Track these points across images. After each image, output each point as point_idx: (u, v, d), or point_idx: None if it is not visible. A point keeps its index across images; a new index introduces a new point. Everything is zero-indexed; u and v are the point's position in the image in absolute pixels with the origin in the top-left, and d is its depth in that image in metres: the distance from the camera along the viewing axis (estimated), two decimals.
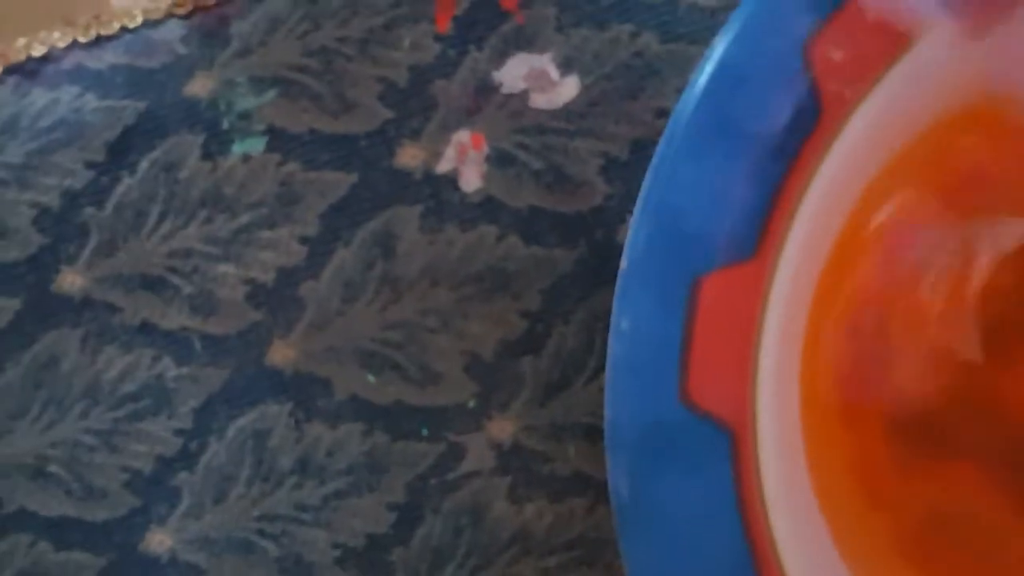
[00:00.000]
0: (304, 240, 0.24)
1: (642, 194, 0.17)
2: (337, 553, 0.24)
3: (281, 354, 0.24)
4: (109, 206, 0.24)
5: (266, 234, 0.24)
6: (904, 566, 0.20)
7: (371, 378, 0.24)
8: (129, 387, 0.24)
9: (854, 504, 0.20)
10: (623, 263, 0.17)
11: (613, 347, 0.17)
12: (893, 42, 0.17)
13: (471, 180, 0.24)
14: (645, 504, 0.17)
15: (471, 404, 0.24)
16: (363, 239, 0.24)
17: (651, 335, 0.17)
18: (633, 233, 0.17)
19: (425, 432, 0.24)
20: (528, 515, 0.24)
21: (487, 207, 0.24)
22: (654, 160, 0.17)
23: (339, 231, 0.24)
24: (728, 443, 0.18)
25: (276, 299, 0.24)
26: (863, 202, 0.20)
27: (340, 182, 0.24)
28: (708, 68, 0.17)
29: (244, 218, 0.24)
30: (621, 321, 0.17)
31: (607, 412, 0.17)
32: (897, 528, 0.21)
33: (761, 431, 0.18)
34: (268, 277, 0.24)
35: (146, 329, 0.24)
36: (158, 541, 0.25)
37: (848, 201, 0.19)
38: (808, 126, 0.18)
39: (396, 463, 0.24)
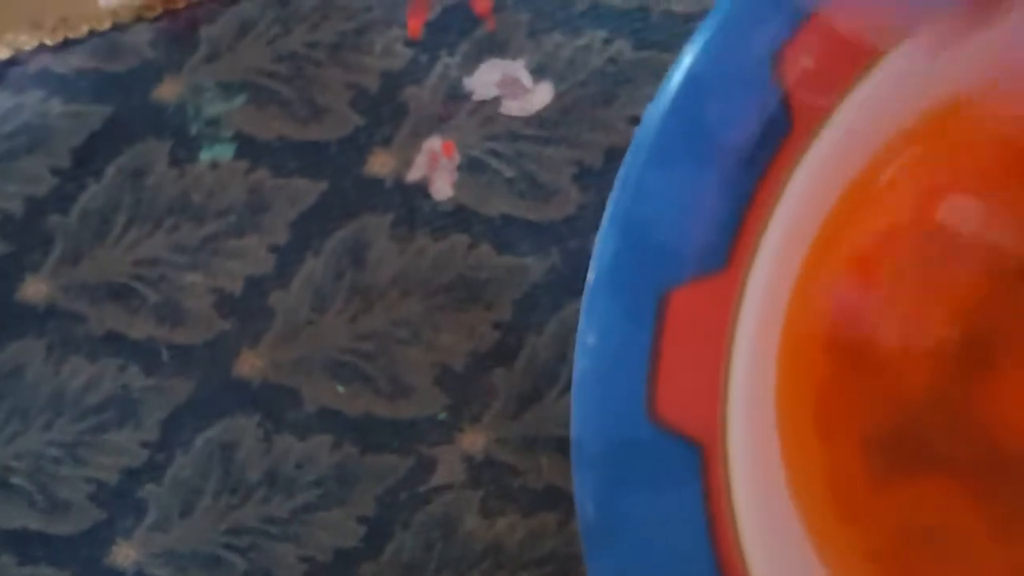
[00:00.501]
0: (273, 248, 0.24)
1: (609, 206, 0.17)
2: (305, 567, 0.24)
3: (249, 364, 0.24)
4: (74, 213, 0.23)
5: (234, 242, 0.23)
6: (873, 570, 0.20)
7: (341, 389, 0.24)
8: (94, 398, 0.24)
9: (830, 518, 0.20)
10: (590, 276, 0.17)
11: (579, 362, 0.17)
12: (864, 52, 0.17)
13: (442, 188, 0.23)
14: (611, 522, 0.17)
15: (442, 416, 0.24)
16: (333, 248, 0.23)
17: (618, 350, 0.17)
18: (600, 245, 0.17)
19: (395, 445, 0.23)
20: (500, 529, 0.24)
21: (459, 215, 0.23)
22: (621, 171, 0.17)
23: (309, 239, 0.24)
24: (697, 459, 0.17)
25: (244, 308, 0.24)
26: (836, 214, 0.19)
27: (310, 190, 0.24)
28: (676, 77, 0.17)
29: (212, 226, 0.23)
30: (588, 336, 0.17)
31: (573, 429, 0.17)
32: (872, 541, 0.21)
33: (732, 447, 0.18)
34: (236, 286, 0.24)
35: (112, 339, 0.24)
36: (124, 555, 0.24)
37: (821, 213, 0.19)
38: (779, 136, 0.17)
39: (366, 476, 0.24)
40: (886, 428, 0.21)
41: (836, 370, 0.21)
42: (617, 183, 0.17)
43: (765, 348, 0.19)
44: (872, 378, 0.21)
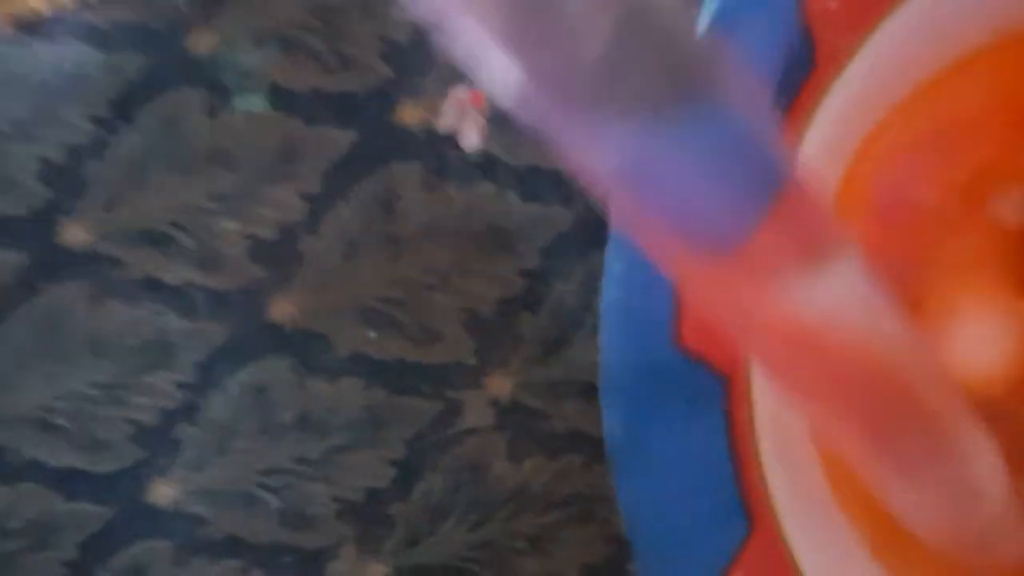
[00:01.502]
0: (305, 197, 0.24)
1: None
2: (337, 507, 0.25)
3: (282, 310, 0.24)
4: (112, 160, 0.24)
5: (267, 190, 0.24)
6: (910, 542, 0.20)
7: (372, 335, 0.24)
8: (133, 341, 0.25)
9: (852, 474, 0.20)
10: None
11: (606, 290, 0.17)
12: None
13: (471, 138, 0.24)
14: (638, 446, 0.17)
15: (470, 361, 0.24)
16: (363, 196, 0.24)
17: (644, 279, 0.17)
18: None
19: (425, 389, 0.24)
20: (526, 472, 0.24)
21: (486, 165, 0.24)
22: None
23: (340, 188, 0.24)
24: (721, 389, 0.18)
25: (277, 255, 0.24)
26: (858, 157, 0.20)
27: (341, 139, 0.24)
28: (704, 16, 0.17)
29: (245, 174, 0.24)
30: (614, 265, 0.17)
31: (601, 355, 0.17)
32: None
33: (757, 381, 0.18)
34: (269, 233, 0.24)
35: (150, 284, 0.25)
36: (162, 493, 0.25)
37: (843, 155, 0.19)
38: (802, 75, 0.18)
39: (396, 419, 0.24)
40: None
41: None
42: None
43: None
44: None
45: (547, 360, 0.24)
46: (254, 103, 0.24)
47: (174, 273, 0.24)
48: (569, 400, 0.24)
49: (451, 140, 0.24)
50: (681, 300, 0.17)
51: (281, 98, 0.24)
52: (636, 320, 0.17)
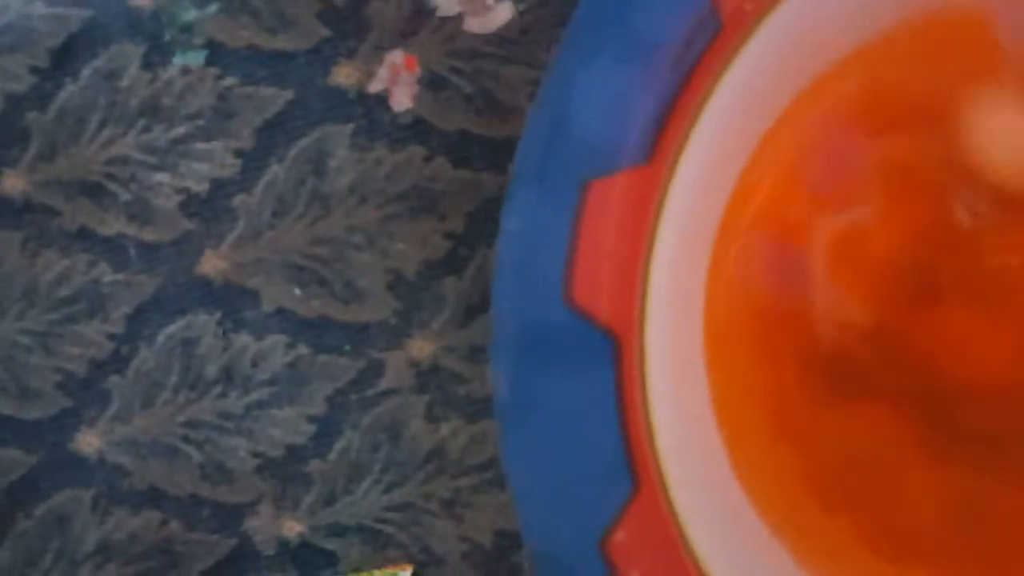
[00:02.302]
0: (239, 153, 0.24)
1: (537, 97, 0.17)
2: (257, 462, 0.25)
3: (212, 264, 0.25)
4: (51, 111, 0.24)
5: (202, 146, 0.24)
6: (805, 496, 0.20)
7: (298, 291, 0.24)
8: (65, 291, 0.25)
9: (759, 433, 0.20)
10: (514, 164, 0.18)
11: (500, 246, 0.17)
12: None
13: (402, 101, 0.24)
14: (524, 402, 0.17)
15: (392, 321, 0.24)
16: (296, 155, 0.24)
17: (538, 236, 0.17)
18: (525, 134, 0.17)
19: (347, 348, 0.24)
20: (444, 434, 0.24)
21: (417, 128, 0.24)
22: (550, 63, 0.17)
23: (273, 146, 0.24)
24: (611, 349, 0.18)
25: (209, 210, 0.25)
26: (776, 125, 0.20)
27: (276, 98, 0.24)
28: None
29: (181, 129, 0.24)
30: (509, 221, 0.17)
31: (492, 310, 0.17)
32: (802, 461, 0.21)
33: (650, 343, 0.18)
34: (202, 188, 0.24)
35: (84, 234, 0.25)
36: (87, 442, 0.25)
37: (754, 121, 0.19)
38: (707, 38, 0.18)
39: (318, 376, 0.25)
40: (825, 351, 0.21)
41: (774, 285, 0.21)
42: (545, 74, 0.17)
43: (694, 252, 0.19)
44: (813, 298, 0.21)
45: (469, 324, 0.24)
46: (192, 59, 0.24)
47: (108, 225, 0.25)
48: (489, 365, 0.24)
49: (383, 102, 0.24)
50: (574, 259, 0.17)
51: (219, 55, 0.24)
52: (527, 277, 0.17)
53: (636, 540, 0.18)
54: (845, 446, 0.22)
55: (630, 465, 0.18)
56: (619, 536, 0.18)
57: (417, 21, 0.24)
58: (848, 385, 0.22)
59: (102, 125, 0.25)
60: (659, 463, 0.18)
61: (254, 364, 0.25)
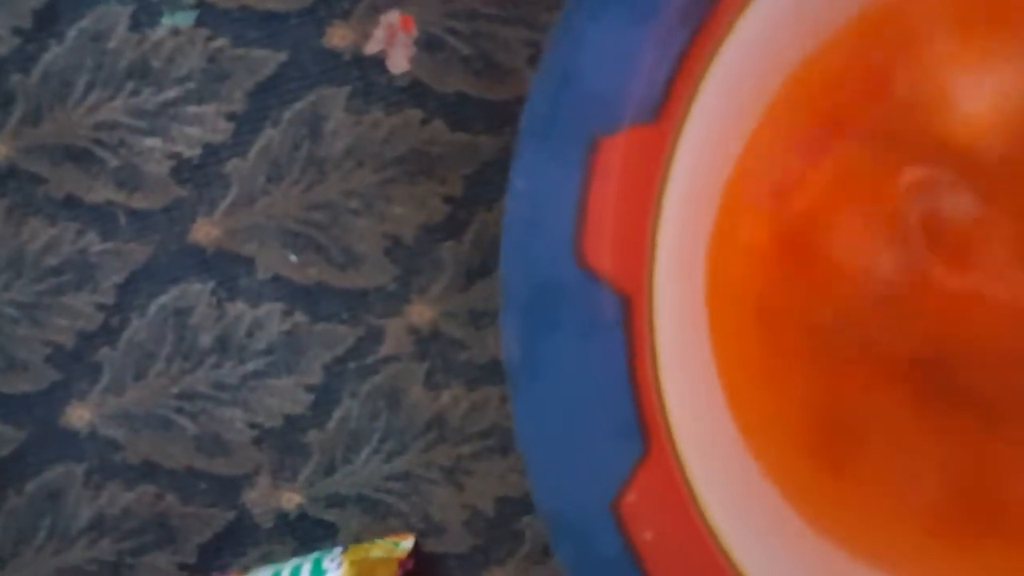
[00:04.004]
0: (231, 117, 0.24)
1: (544, 54, 0.17)
2: (254, 433, 0.24)
3: (204, 232, 0.24)
4: (36, 74, 0.24)
5: (193, 109, 0.24)
6: (809, 459, 0.20)
7: (293, 258, 0.24)
8: (53, 260, 0.24)
9: (761, 396, 0.20)
10: (521, 121, 0.17)
11: (509, 206, 0.17)
12: None
13: (399, 62, 0.23)
14: (535, 362, 0.17)
15: (391, 287, 0.24)
16: (290, 119, 0.24)
17: (547, 194, 0.17)
18: (533, 92, 0.17)
19: (345, 315, 0.24)
20: (444, 402, 0.24)
21: (414, 90, 0.23)
22: (559, 21, 0.17)
23: (267, 110, 0.24)
24: (622, 309, 0.18)
25: (201, 176, 0.24)
26: (785, 84, 0.19)
27: (269, 60, 0.24)
28: None
29: (171, 92, 0.24)
30: (517, 180, 0.17)
31: (500, 269, 0.17)
32: (805, 425, 0.21)
33: (659, 304, 0.18)
34: (194, 153, 0.24)
35: (71, 202, 0.24)
36: (78, 416, 0.25)
37: (764, 80, 0.19)
38: None
39: (315, 344, 0.24)
40: (827, 314, 0.21)
41: (779, 253, 0.21)
42: (553, 32, 0.17)
43: (702, 213, 0.19)
44: (820, 265, 0.21)
45: (469, 289, 0.24)
46: (182, 19, 0.24)
47: (97, 192, 0.24)
48: (490, 330, 0.23)
49: (380, 64, 0.23)
50: (584, 217, 0.17)
51: (210, 16, 0.23)
52: (536, 236, 0.17)
53: (647, 501, 0.17)
54: (847, 410, 0.22)
55: (641, 426, 0.18)
56: (630, 498, 0.18)
57: None
58: (851, 349, 0.22)
59: (89, 88, 0.24)
60: (669, 424, 0.18)
61: (249, 333, 0.24)
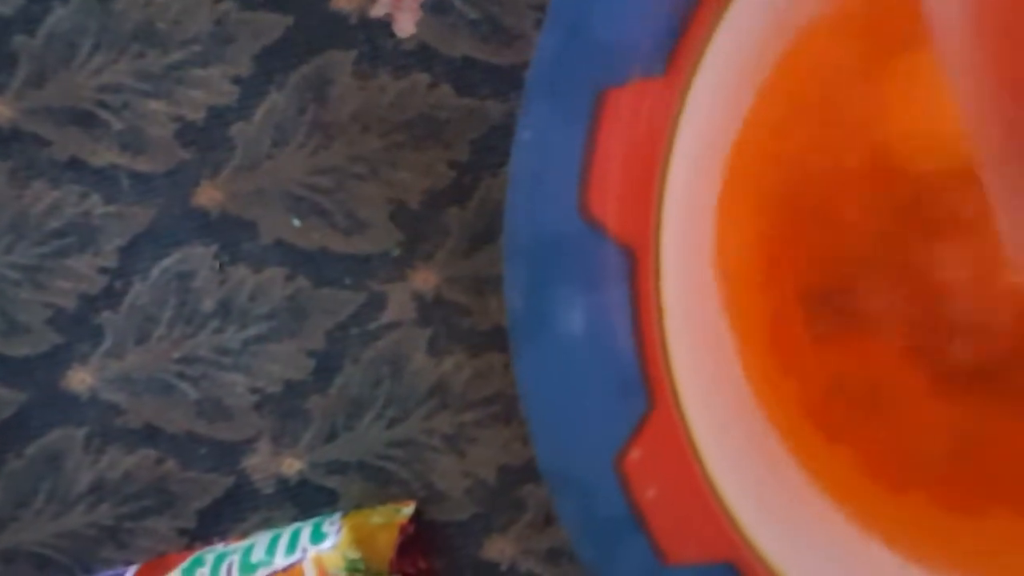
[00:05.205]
0: (236, 80, 0.24)
1: (551, 5, 0.17)
2: (256, 398, 0.24)
3: (208, 195, 0.24)
4: (40, 35, 0.24)
5: (198, 72, 0.24)
6: (811, 418, 0.20)
7: (297, 222, 0.24)
8: (55, 223, 0.24)
9: (768, 353, 0.20)
10: (528, 74, 0.17)
11: (514, 158, 0.17)
12: None
13: (406, 26, 0.23)
14: (538, 316, 0.17)
15: (395, 253, 0.24)
16: (296, 82, 0.24)
17: (553, 146, 0.17)
18: (540, 43, 0.17)
19: (348, 280, 0.24)
20: (447, 368, 0.24)
21: (421, 55, 0.23)
22: None
23: (272, 73, 0.24)
24: (627, 264, 0.17)
25: (206, 139, 0.24)
26: (792, 48, 0.19)
27: (275, 24, 0.24)
28: None
29: (176, 55, 0.24)
30: (523, 132, 0.17)
31: (506, 222, 0.17)
32: (803, 392, 0.21)
33: (665, 259, 0.18)
34: (198, 116, 0.24)
35: (75, 164, 0.24)
36: (79, 379, 0.25)
37: (773, 40, 0.19)
38: None
39: (318, 310, 0.24)
40: (828, 283, 0.21)
41: (782, 217, 0.21)
42: None
43: (709, 172, 0.19)
44: (817, 229, 0.21)
45: (473, 255, 0.23)
46: None
47: (100, 155, 0.24)
48: (494, 297, 0.23)
49: (386, 28, 0.23)
50: (589, 169, 0.17)
51: None
52: (542, 188, 0.17)
53: (651, 459, 0.17)
54: (847, 377, 0.21)
55: (645, 382, 0.17)
56: (634, 454, 0.17)
57: None
58: (849, 317, 0.21)
59: (94, 50, 0.24)
60: (674, 380, 0.18)
61: (252, 298, 0.24)
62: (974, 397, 0.20)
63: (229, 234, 0.24)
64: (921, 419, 0.21)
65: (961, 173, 0.20)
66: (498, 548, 0.24)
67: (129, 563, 0.24)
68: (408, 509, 0.23)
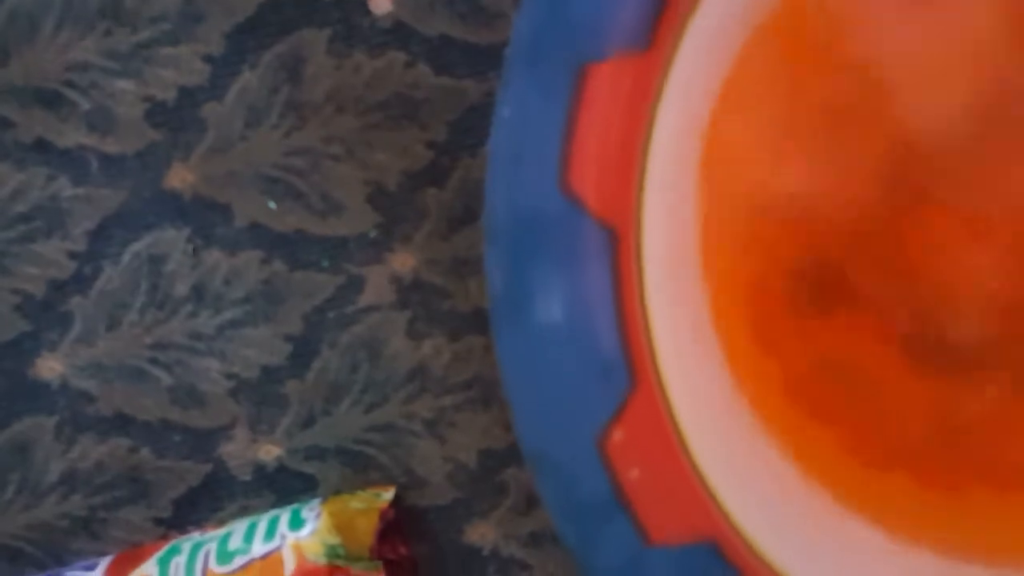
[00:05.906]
0: (208, 59, 0.23)
1: None
2: (231, 384, 0.24)
3: (180, 177, 0.24)
4: (2, 13, 0.23)
5: (168, 51, 0.23)
6: (792, 398, 0.20)
7: (272, 204, 0.23)
8: (21, 207, 0.24)
9: (750, 333, 0.20)
10: (508, 49, 0.17)
11: (494, 135, 0.17)
12: None
13: (382, 3, 0.23)
14: (519, 295, 0.17)
15: (372, 235, 0.23)
16: (269, 61, 0.23)
17: (533, 122, 0.17)
18: (520, 17, 0.17)
19: (325, 263, 0.23)
20: (426, 352, 0.24)
21: (397, 33, 0.23)
22: None
23: (245, 52, 0.23)
24: (608, 241, 0.17)
25: (177, 119, 0.23)
26: (771, 18, 0.19)
27: (247, 0, 0.23)
28: None
29: (145, 33, 0.23)
30: (503, 108, 0.16)
31: (485, 200, 0.16)
32: (785, 371, 0.21)
33: (647, 237, 0.18)
34: (169, 96, 0.23)
35: (41, 146, 0.23)
36: (49, 367, 0.24)
37: (754, 12, 0.19)
38: None
39: (294, 293, 0.24)
40: (810, 260, 0.21)
41: (765, 193, 0.21)
42: None
43: (689, 145, 0.19)
44: (800, 207, 0.21)
45: (452, 237, 0.23)
46: None
47: (68, 136, 0.23)
48: (473, 278, 0.23)
49: (362, 5, 0.23)
50: (570, 146, 0.17)
51: None
52: (522, 165, 0.16)
53: (634, 439, 0.17)
54: (829, 357, 0.21)
55: (628, 362, 0.17)
56: (617, 436, 0.17)
57: None
58: (833, 295, 0.21)
59: (59, 27, 0.23)
60: (656, 361, 0.17)
61: (226, 282, 0.24)
62: (958, 376, 0.20)
63: (202, 217, 0.23)
64: (904, 398, 0.21)
65: (954, 144, 0.20)
66: (480, 533, 0.23)
67: (103, 554, 0.24)
68: (388, 494, 0.22)
